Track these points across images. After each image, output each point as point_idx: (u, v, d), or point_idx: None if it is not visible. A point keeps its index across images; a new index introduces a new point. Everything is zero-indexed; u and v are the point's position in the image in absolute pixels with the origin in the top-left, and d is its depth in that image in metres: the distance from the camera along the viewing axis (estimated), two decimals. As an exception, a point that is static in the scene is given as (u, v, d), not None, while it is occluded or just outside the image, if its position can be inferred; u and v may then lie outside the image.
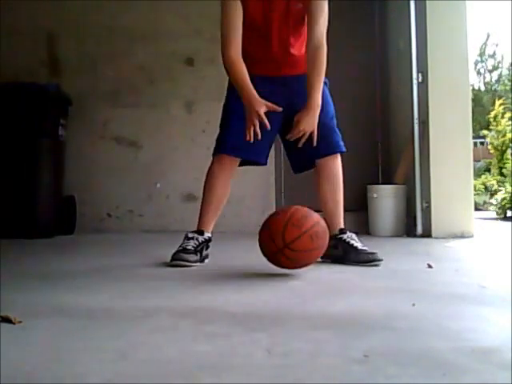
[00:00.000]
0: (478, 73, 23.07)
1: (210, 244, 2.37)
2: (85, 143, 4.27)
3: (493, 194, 7.44)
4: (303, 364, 0.98)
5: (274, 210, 4.28)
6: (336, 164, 2.41)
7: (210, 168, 2.38)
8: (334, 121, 2.42)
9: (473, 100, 8.28)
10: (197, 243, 2.28)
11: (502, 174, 7.99)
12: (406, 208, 3.82)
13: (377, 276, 2.05)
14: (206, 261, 2.35)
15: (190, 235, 2.31)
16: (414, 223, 3.71)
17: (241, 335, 1.18)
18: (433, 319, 1.34)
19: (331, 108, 2.43)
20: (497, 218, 6.34)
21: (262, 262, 1.98)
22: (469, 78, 3.76)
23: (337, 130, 2.42)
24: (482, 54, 22.93)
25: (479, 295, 1.66)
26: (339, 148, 2.41)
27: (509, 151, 8.17)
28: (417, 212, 3.70)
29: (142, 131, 4.32)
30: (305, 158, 2.41)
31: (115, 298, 1.62)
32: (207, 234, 2.34)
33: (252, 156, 2.38)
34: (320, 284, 1.87)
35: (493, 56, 23.15)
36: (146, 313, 1.41)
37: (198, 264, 2.25)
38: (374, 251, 2.30)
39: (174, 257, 2.21)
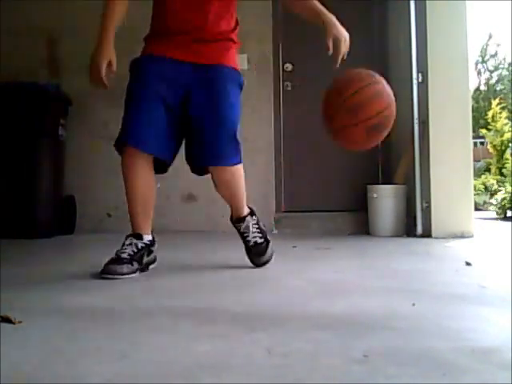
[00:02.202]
0: (479, 73, 23.11)
1: (154, 248, 2.12)
2: (85, 143, 4.27)
3: (493, 193, 7.45)
4: (303, 364, 0.98)
5: (273, 210, 4.30)
6: (226, 174, 2.10)
7: (122, 162, 2.05)
8: (236, 128, 2.09)
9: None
10: (134, 250, 2.02)
11: (501, 174, 7.99)
12: (406, 208, 3.82)
13: (377, 276, 2.05)
14: (152, 266, 2.12)
15: (128, 242, 2.05)
16: (414, 223, 3.71)
17: (241, 335, 1.18)
18: (433, 319, 1.34)
19: (237, 112, 2.11)
20: (497, 218, 6.34)
21: (261, 262, 1.98)
22: (469, 78, 3.76)
23: (233, 141, 2.07)
24: (483, 55, 22.96)
25: (479, 295, 1.66)
26: (229, 161, 2.08)
27: (508, 151, 8.18)
28: (417, 212, 3.70)
29: (141, 131, 4.31)
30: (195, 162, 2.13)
31: (115, 298, 1.62)
32: (147, 238, 2.08)
33: (155, 150, 2.03)
34: (320, 284, 1.87)
35: (494, 56, 23.19)
36: (146, 313, 1.41)
37: (136, 274, 1.98)
38: None
39: (105, 269, 1.94)
